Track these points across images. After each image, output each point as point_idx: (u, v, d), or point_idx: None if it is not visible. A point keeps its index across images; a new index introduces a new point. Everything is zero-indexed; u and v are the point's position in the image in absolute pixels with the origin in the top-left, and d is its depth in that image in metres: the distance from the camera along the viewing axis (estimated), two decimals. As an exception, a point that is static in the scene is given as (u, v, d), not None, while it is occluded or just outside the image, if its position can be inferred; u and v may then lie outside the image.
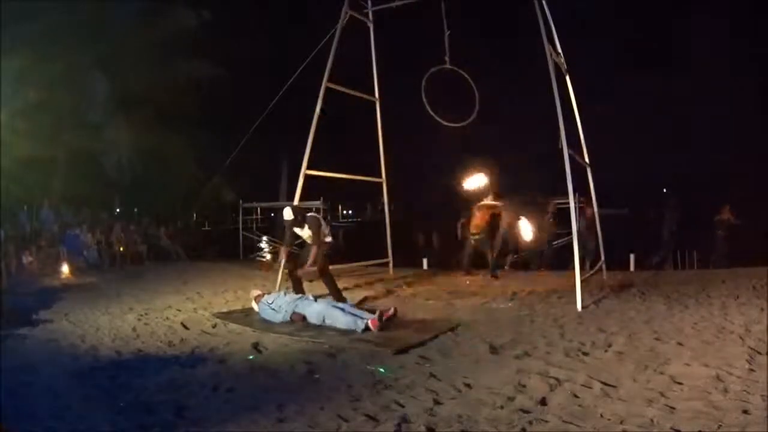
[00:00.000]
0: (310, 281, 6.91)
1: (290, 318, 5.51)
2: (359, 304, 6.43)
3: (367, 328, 5.08)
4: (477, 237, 9.21)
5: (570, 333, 4.95)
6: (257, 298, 6.06)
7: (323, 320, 5.33)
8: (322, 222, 6.69)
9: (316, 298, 5.81)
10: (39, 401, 3.43)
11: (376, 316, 5.16)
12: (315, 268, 6.42)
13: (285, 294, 5.99)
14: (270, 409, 3.21)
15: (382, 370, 3.97)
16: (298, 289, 6.51)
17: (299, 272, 6.52)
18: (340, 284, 8.32)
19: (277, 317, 5.59)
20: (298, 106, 10.04)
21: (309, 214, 6.62)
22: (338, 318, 5.26)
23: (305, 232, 6.57)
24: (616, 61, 18.42)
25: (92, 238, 11.65)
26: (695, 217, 12.12)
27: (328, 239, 6.67)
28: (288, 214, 6.42)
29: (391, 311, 5.39)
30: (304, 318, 5.46)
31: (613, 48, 18.04)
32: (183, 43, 13.38)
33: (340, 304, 5.68)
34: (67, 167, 13.54)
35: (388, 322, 5.20)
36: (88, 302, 6.94)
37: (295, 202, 8.43)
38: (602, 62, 17.07)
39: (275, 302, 5.77)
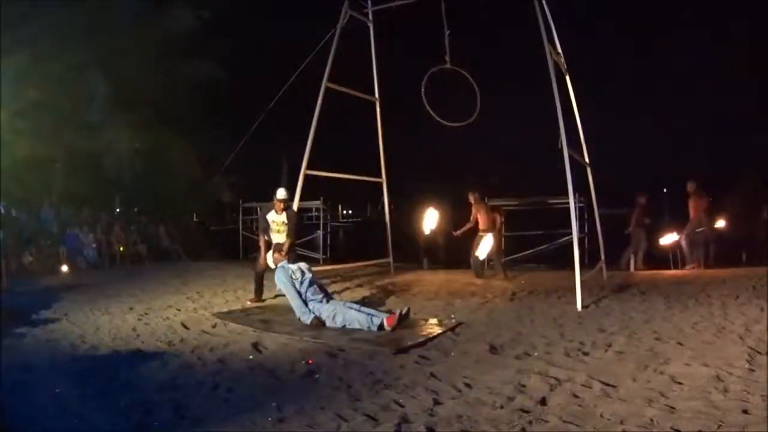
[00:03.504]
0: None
1: (310, 322, 5.41)
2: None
3: (381, 327, 5.08)
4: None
5: (570, 333, 4.95)
6: (277, 258, 6.01)
7: (335, 320, 5.30)
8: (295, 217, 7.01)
9: (327, 299, 5.72)
10: (38, 401, 3.43)
11: (396, 314, 5.16)
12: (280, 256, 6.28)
13: (311, 276, 5.80)
14: (270, 409, 3.20)
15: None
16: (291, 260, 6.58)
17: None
18: (342, 284, 8.36)
19: (305, 317, 5.46)
20: (298, 106, 10.05)
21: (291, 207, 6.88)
22: (354, 317, 5.25)
23: (280, 219, 6.83)
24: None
25: (92, 238, 11.64)
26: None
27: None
28: (282, 193, 6.74)
29: (406, 310, 5.37)
30: (323, 324, 5.38)
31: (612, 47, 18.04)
32: (183, 42, 13.37)
33: (351, 303, 5.65)
34: (67, 167, 13.53)
35: (401, 321, 5.19)
36: (88, 302, 6.92)
37: (295, 202, 8.44)
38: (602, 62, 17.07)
39: (304, 287, 5.57)
